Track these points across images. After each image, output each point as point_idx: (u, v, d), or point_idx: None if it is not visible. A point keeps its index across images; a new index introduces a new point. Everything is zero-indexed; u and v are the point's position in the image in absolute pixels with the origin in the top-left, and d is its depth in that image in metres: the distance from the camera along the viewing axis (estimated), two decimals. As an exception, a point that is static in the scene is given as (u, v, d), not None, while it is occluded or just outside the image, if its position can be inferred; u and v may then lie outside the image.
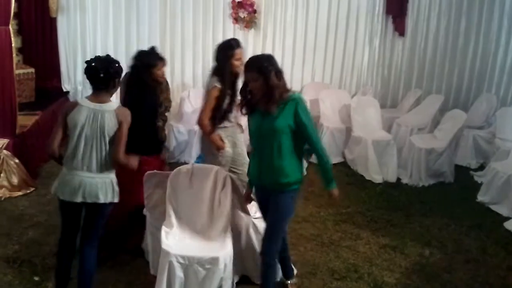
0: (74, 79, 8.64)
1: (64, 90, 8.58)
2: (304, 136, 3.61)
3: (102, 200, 3.62)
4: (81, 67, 8.54)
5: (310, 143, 3.63)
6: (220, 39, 8.78)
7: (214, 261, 3.70)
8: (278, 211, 3.71)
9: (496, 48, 9.85)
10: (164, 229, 3.99)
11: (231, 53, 4.59)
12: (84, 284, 3.77)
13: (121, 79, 3.83)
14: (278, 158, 3.60)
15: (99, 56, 3.78)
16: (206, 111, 4.57)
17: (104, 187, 3.64)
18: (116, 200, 3.74)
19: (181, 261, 3.68)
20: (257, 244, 4.18)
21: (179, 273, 3.70)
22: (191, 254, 3.73)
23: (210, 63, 7.62)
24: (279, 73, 3.61)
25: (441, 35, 9.72)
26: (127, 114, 3.69)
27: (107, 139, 3.60)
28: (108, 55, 3.81)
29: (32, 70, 7.71)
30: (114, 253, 4.58)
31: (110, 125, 3.59)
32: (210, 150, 4.70)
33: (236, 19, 8.81)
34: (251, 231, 4.18)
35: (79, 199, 3.58)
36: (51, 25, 8.35)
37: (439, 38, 9.74)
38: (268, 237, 3.73)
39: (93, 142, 3.59)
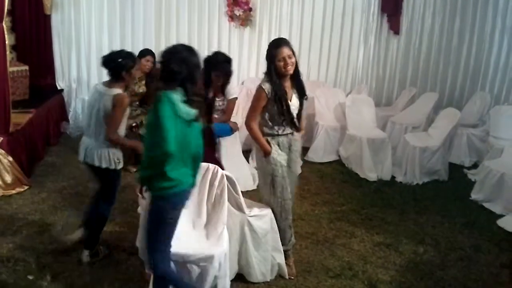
0: (68, 77, 8.63)
1: (58, 87, 8.56)
2: None
3: (96, 163, 4.21)
4: (75, 64, 8.57)
5: None
6: (215, 37, 8.88)
7: (208, 259, 3.69)
8: None
9: (490, 47, 9.94)
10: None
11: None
12: (92, 221, 4.42)
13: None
14: None
15: (112, 52, 4.34)
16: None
17: (99, 154, 4.20)
18: (112, 167, 4.24)
19: (176, 259, 3.68)
20: (252, 242, 4.18)
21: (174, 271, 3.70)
22: (186, 252, 3.72)
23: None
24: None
25: (435, 34, 9.79)
26: (121, 99, 4.12)
27: (102, 117, 4.13)
28: (122, 50, 4.39)
29: (26, 67, 7.68)
30: (109, 252, 4.58)
31: (106, 107, 4.11)
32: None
33: (232, 17, 8.82)
34: (246, 229, 4.17)
35: (81, 158, 4.29)
36: (45, 22, 8.32)
37: (434, 37, 9.81)
38: None
39: (95, 118, 4.17)
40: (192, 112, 3.19)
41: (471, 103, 9.07)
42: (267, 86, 4.10)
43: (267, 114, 4.20)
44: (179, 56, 3.23)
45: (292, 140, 4.32)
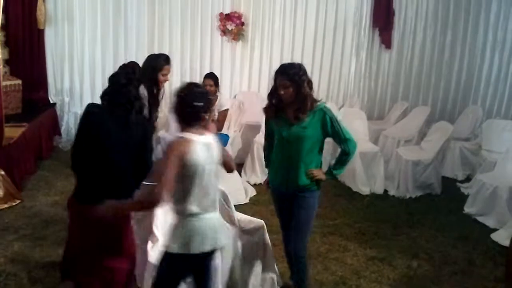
0: (61, 91, 8.62)
1: (51, 101, 8.55)
2: (338, 140, 3.91)
3: (226, 240, 3.32)
4: (68, 78, 8.57)
5: (344, 143, 3.89)
6: (207, 51, 8.90)
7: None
8: (306, 210, 3.96)
9: (481, 61, 10.02)
10: (150, 242, 3.96)
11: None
12: None
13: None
14: (305, 163, 3.88)
15: (190, 85, 3.24)
16: None
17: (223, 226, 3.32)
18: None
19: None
20: (244, 256, 4.16)
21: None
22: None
23: (198, 74, 7.72)
24: (310, 82, 3.85)
25: (427, 48, 9.85)
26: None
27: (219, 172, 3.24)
28: (197, 84, 3.34)
29: (19, 81, 7.67)
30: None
31: (218, 156, 3.21)
32: None
33: (224, 31, 8.85)
34: (239, 243, 4.16)
35: (208, 247, 3.13)
36: (38, 37, 8.32)
37: (425, 51, 9.86)
38: (298, 235, 3.98)
39: (212, 179, 3.14)
40: None
41: (463, 116, 9.12)
42: None
43: None
44: None
45: None
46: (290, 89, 3.75)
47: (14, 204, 5.91)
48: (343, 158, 3.96)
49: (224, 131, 6.35)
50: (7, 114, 6.54)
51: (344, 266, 4.97)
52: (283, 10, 9.15)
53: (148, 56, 5.27)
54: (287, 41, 9.27)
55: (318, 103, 3.87)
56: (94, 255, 3.40)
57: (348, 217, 6.21)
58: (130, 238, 3.59)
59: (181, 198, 3.06)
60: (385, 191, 7.17)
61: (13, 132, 6.48)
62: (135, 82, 3.49)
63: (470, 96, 10.17)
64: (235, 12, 8.82)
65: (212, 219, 3.13)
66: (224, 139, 5.87)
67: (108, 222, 3.23)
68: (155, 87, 5.04)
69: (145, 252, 3.91)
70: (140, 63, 6.89)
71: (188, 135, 3.05)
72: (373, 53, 9.75)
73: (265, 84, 8.86)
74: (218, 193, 3.30)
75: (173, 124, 5.02)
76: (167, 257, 3.12)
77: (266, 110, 4.02)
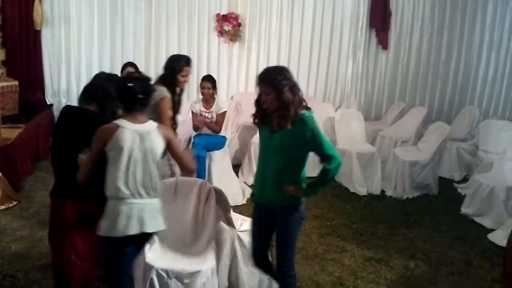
0: (58, 92, 8.61)
1: (48, 102, 8.54)
2: (320, 156, 3.46)
3: (161, 226, 3.36)
4: (65, 79, 8.56)
5: (326, 160, 3.43)
6: (204, 52, 8.90)
7: (194, 275, 3.68)
8: (289, 227, 3.60)
9: (478, 62, 10.05)
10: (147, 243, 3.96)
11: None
12: None
13: None
14: (282, 176, 3.50)
15: (132, 75, 3.62)
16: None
17: (159, 211, 3.36)
18: (164, 226, 3.41)
19: (163, 274, 3.66)
20: (242, 257, 4.16)
21: (161, 287, 3.68)
22: (173, 268, 3.70)
23: (195, 75, 7.71)
24: (294, 87, 3.42)
25: (424, 48, 9.88)
26: (167, 128, 3.65)
27: (157, 160, 3.31)
28: (140, 73, 3.64)
29: (15, 82, 7.66)
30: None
31: (157, 146, 3.28)
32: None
33: (221, 32, 8.85)
34: (236, 243, 4.16)
35: (135, 231, 3.21)
36: (35, 37, 8.30)
37: (422, 51, 9.89)
38: (284, 252, 3.65)
39: (142, 165, 3.23)
40: None
41: (460, 117, 9.13)
42: None
43: None
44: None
45: None
46: (271, 95, 3.39)
47: (11, 205, 5.90)
48: (322, 178, 3.51)
49: (221, 132, 6.36)
50: (4, 115, 6.54)
51: (342, 266, 4.97)
52: (280, 11, 9.17)
53: (170, 57, 5.23)
54: (284, 42, 9.28)
55: (303, 111, 3.44)
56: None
57: (345, 218, 6.21)
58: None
59: (110, 181, 3.20)
60: (382, 191, 7.18)
61: (10, 133, 6.47)
62: (117, 80, 3.61)
63: (467, 96, 10.20)
64: (232, 13, 8.82)
65: (140, 204, 3.22)
66: (221, 141, 5.88)
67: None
68: (176, 88, 5.03)
69: (142, 254, 3.91)
70: (138, 64, 6.93)
71: (120, 121, 3.21)
72: (370, 54, 9.77)
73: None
74: (156, 181, 3.31)
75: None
76: (101, 239, 3.26)
77: (253, 117, 3.74)
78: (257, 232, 3.79)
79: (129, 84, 3.28)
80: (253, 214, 3.84)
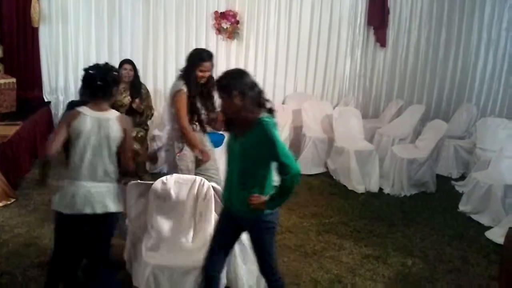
0: (55, 89, 8.60)
1: (46, 100, 8.53)
2: (276, 162, 3.23)
3: (112, 208, 3.51)
4: (63, 77, 8.54)
5: (281, 168, 3.21)
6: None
7: (192, 272, 3.68)
8: (263, 236, 3.46)
9: (475, 60, 10.06)
10: (145, 240, 3.96)
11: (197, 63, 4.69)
12: None
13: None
14: (245, 186, 3.33)
15: (97, 64, 3.70)
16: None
17: (111, 195, 3.53)
18: (122, 209, 3.64)
19: (161, 272, 3.66)
20: (239, 254, 4.16)
21: (159, 284, 3.68)
22: (171, 265, 3.70)
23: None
24: (244, 92, 3.24)
25: (422, 46, 9.88)
26: (128, 121, 3.71)
27: (114, 148, 3.53)
28: (106, 63, 3.71)
29: (13, 80, 7.64)
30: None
31: (114, 134, 3.50)
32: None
33: (219, 30, 8.83)
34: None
35: (87, 210, 3.43)
36: (32, 35, 8.28)
37: (420, 49, 9.89)
38: (264, 260, 3.53)
39: (99, 151, 3.48)
40: None
41: (458, 115, 9.14)
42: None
43: None
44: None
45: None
46: (225, 101, 3.30)
47: (8, 202, 5.90)
48: (279, 190, 3.26)
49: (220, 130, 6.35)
50: (1, 113, 6.55)
51: (340, 264, 4.98)
52: (278, 8, 9.15)
53: (191, 50, 4.99)
54: (282, 39, 9.27)
55: (262, 115, 3.26)
56: None
57: (343, 216, 6.22)
58: None
59: (69, 162, 3.52)
60: (380, 189, 7.19)
61: (7, 130, 6.47)
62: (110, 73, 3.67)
63: (465, 94, 10.20)
64: (230, 10, 8.80)
65: (90, 187, 3.46)
66: (220, 138, 5.88)
67: None
68: (195, 82, 4.72)
69: (140, 251, 3.92)
70: (135, 62, 6.93)
71: (82, 108, 3.51)
72: (368, 52, 9.76)
73: (260, 83, 8.84)
74: (109, 166, 3.53)
75: (167, 123, 5.04)
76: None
77: (220, 124, 3.77)
78: (216, 239, 3.61)
79: (90, 71, 3.54)
80: (221, 216, 3.70)
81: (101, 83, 3.49)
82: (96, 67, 3.60)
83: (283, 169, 3.19)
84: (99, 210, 3.45)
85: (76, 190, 3.45)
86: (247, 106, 3.25)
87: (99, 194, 3.48)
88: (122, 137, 3.54)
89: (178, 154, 4.68)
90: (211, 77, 4.72)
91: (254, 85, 3.33)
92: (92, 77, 3.50)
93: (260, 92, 3.35)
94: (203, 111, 4.82)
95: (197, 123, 4.84)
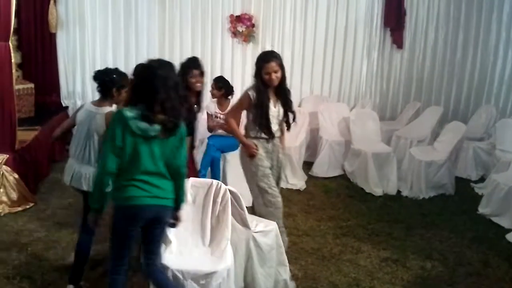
0: (73, 94, 8.68)
1: (64, 105, 8.61)
2: None
3: (84, 187, 4.03)
4: (80, 81, 8.63)
5: None
6: (218, 53, 8.91)
7: (210, 276, 3.67)
8: None
9: (494, 60, 9.94)
10: (163, 244, 3.96)
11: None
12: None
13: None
14: None
15: (106, 68, 4.24)
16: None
17: (87, 177, 4.02)
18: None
19: (178, 275, 3.65)
20: (257, 258, 4.15)
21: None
22: (188, 269, 3.70)
23: (209, 76, 7.71)
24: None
25: (439, 47, 9.79)
26: None
27: (96, 138, 4.00)
28: (116, 69, 4.22)
29: (31, 85, 7.73)
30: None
31: (98, 126, 3.97)
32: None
33: (235, 33, 8.85)
34: (252, 245, 4.15)
35: (67, 181, 4.14)
36: (50, 40, 8.39)
37: (437, 50, 9.81)
38: None
39: (87, 139, 4.03)
40: (148, 128, 3.17)
41: (477, 116, 9.05)
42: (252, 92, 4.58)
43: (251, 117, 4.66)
44: (145, 73, 3.39)
45: (275, 148, 4.72)
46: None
47: (27, 207, 5.94)
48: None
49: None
50: (20, 118, 6.59)
51: (358, 267, 4.94)
52: (293, 11, 9.15)
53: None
54: (298, 42, 9.26)
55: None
56: None
57: (361, 218, 6.18)
58: None
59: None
60: (398, 192, 7.13)
61: (26, 135, 6.52)
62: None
63: (483, 95, 10.10)
64: (246, 14, 8.82)
65: (73, 165, 4.12)
66: (236, 142, 5.88)
67: None
68: (188, 91, 4.70)
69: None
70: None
71: (87, 103, 4.21)
72: (384, 53, 9.72)
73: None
74: (92, 154, 4.03)
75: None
76: None
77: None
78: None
79: (93, 74, 4.15)
80: None
81: (99, 84, 4.07)
82: (99, 71, 4.18)
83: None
84: (84, 187, 4.03)
85: (71, 166, 4.14)
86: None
87: (87, 174, 4.02)
88: (105, 131, 3.89)
89: None
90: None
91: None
92: (94, 79, 4.10)
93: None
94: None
95: None
